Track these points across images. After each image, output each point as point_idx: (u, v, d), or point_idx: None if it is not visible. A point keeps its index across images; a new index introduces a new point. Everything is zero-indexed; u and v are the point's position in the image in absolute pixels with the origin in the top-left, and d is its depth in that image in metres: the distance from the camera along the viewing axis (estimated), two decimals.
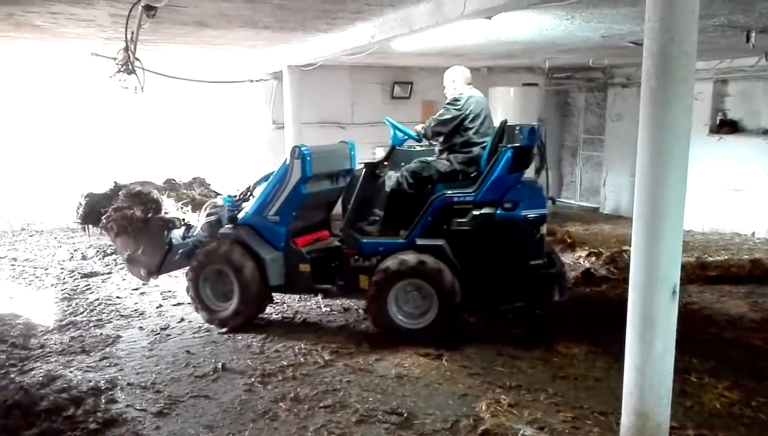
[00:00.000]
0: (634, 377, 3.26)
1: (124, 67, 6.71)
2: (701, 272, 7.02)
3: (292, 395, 4.30)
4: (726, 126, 9.82)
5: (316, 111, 9.98)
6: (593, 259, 7.35)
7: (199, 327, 5.73)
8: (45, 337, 5.54)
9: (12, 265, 8.05)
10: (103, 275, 7.50)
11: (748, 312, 6.02)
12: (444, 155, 5.58)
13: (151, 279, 6.34)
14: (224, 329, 5.59)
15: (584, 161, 12.85)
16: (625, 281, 3.51)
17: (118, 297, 6.67)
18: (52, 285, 7.15)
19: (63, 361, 4.99)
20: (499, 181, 5.07)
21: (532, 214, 5.04)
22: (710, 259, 7.54)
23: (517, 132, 5.28)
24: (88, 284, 7.15)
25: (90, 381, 4.50)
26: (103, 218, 6.17)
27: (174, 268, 6.25)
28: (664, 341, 3.19)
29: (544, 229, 5.14)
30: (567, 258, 7.61)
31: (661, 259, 3.13)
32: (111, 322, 5.93)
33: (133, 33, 4.55)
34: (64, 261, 8.22)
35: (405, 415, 3.99)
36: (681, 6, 2.94)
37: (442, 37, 5.52)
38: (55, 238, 9.62)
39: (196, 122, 10.27)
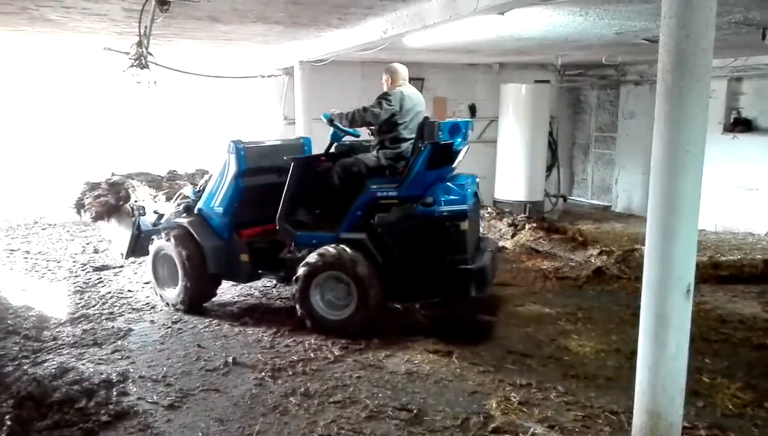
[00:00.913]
0: (647, 377, 3.24)
1: (137, 61, 6.75)
2: (714, 272, 6.96)
3: (303, 390, 4.31)
4: (740, 124, 9.73)
5: (327, 106, 9.92)
6: (605, 257, 7.30)
7: (210, 321, 5.76)
8: (58, 329, 5.59)
9: (25, 258, 8.12)
10: (114, 268, 7.55)
11: (761, 312, 5.96)
12: (374, 151, 5.69)
13: (127, 260, 6.94)
14: (175, 310, 6.01)
15: (596, 159, 12.78)
16: (637, 279, 3.50)
17: (129, 290, 6.71)
18: (65, 278, 7.21)
19: (75, 353, 5.03)
20: (419, 177, 5.20)
21: (451, 210, 5.09)
22: (723, 258, 7.48)
23: (437, 129, 5.34)
24: (100, 277, 7.20)
25: (102, 374, 4.54)
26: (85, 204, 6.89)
27: (145, 252, 6.48)
28: (678, 340, 3.17)
29: (465, 224, 5.13)
30: (578, 256, 7.58)
31: (675, 258, 3.10)
32: (123, 315, 5.97)
33: (146, 28, 4.56)
34: (76, 254, 8.27)
35: (415, 411, 3.99)
36: (698, 2, 2.91)
37: (454, 32, 5.49)
38: (68, 231, 9.69)
39: (208, 116, 10.31)
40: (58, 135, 10.05)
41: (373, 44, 6.12)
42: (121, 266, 7.59)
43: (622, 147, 11.93)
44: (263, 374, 4.60)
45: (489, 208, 9.57)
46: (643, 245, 3.39)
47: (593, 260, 7.34)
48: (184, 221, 6.02)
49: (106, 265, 7.66)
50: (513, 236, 8.57)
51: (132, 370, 4.69)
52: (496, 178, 10.94)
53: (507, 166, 10.77)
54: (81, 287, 6.82)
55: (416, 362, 4.80)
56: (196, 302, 6.01)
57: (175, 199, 6.58)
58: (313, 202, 5.89)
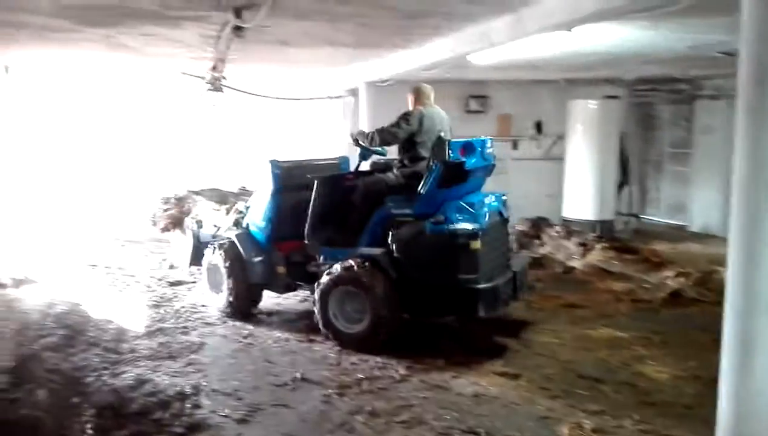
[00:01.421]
0: (730, 406, 3.06)
1: (213, 85, 7.06)
2: None
3: (369, 408, 4.31)
4: None
5: None
6: (681, 279, 6.98)
7: (278, 337, 5.88)
8: (135, 342, 5.82)
9: (107, 272, 8.54)
10: (188, 283, 7.81)
11: None
12: (396, 169, 5.82)
13: (189, 268, 7.47)
14: (223, 315, 6.43)
15: (669, 176, 12.29)
16: (718, 303, 3.32)
17: (202, 305, 6.93)
18: (142, 292, 7.53)
19: (152, 365, 5.21)
20: (430, 195, 5.26)
21: (460, 228, 5.09)
22: None
23: (447, 148, 5.25)
24: (175, 293, 7.48)
25: (176, 386, 4.68)
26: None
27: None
28: (765, 367, 2.98)
29: (476, 243, 5.09)
30: (653, 278, 7.29)
31: (761, 280, 2.93)
32: (196, 329, 6.16)
33: (221, 53, 4.76)
34: (152, 270, 8.63)
35: (483, 435, 3.92)
36: None
37: (521, 49, 5.45)
38: (144, 247, 10.13)
39: (277, 136, 10.61)
40: (137, 154, 10.60)
41: (438, 63, 6.17)
42: (194, 282, 7.85)
43: (697, 164, 11.43)
44: (330, 390, 4.63)
45: (557, 227, 9.36)
46: (724, 267, 3.23)
47: (669, 282, 7.04)
48: (232, 234, 6.50)
49: (181, 280, 7.95)
50: (583, 255, 8.34)
51: (204, 383, 4.82)
52: (564, 196, 10.71)
53: (575, 184, 10.53)
54: (157, 302, 7.10)
55: (483, 384, 4.73)
56: (240, 309, 6.39)
57: (232, 214, 7.07)
58: (339, 219, 6.00)
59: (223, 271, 6.33)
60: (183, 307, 6.86)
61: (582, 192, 10.43)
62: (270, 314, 6.62)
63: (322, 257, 5.83)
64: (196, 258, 7.11)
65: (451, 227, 5.13)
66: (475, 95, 10.69)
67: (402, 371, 4.96)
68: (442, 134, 5.59)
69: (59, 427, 4.15)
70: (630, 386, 4.67)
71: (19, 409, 4.18)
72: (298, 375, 4.92)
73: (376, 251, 5.43)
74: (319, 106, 11.41)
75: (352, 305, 5.50)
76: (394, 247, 5.33)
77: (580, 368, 5.00)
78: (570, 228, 9.63)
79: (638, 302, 6.74)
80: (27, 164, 10.59)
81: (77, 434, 4.15)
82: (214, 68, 7.01)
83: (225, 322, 6.35)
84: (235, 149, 10.55)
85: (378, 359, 5.23)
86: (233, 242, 6.36)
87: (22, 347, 5.46)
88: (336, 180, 6.14)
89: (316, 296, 5.58)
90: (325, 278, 5.51)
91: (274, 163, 6.21)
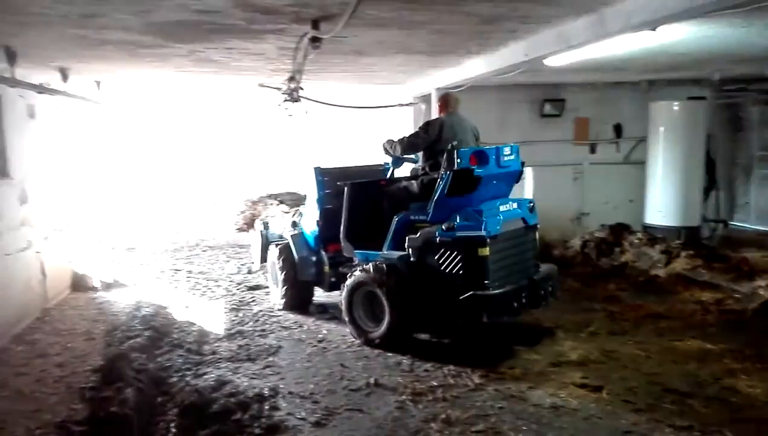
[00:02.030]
0: None
1: (290, 95, 7.24)
2: None
3: (444, 416, 4.27)
4: None
5: None
6: None
7: (352, 342, 5.93)
8: (216, 344, 6.03)
9: (188, 277, 8.90)
10: (266, 288, 8.02)
11: None
12: (420, 177, 6.03)
13: (261, 264, 7.90)
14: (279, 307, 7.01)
15: (761, 180, 11.55)
16: None
17: (279, 310, 7.10)
18: (222, 296, 7.80)
19: (232, 367, 5.39)
20: (440, 202, 5.46)
21: (467, 235, 5.19)
22: None
23: (455, 157, 5.35)
24: (253, 297, 7.70)
25: (255, 388, 4.81)
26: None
27: None
28: None
29: (485, 250, 5.16)
30: (743, 287, 6.87)
31: None
32: (273, 333, 6.32)
33: (299, 64, 4.87)
34: (232, 275, 8.93)
35: None
36: None
37: (600, 50, 5.28)
38: (224, 253, 10.49)
39: (350, 143, 10.77)
40: (219, 162, 11.05)
41: (513, 68, 6.06)
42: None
43: None
44: (404, 397, 4.63)
45: (639, 233, 8.99)
46: None
47: (761, 292, 6.60)
48: (288, 235, 7.00)
49: (259, 285, 8.18)
50: (666, 264, 7.96)
51: (282, 386, 4.93)
52: (646, 201, 10.28)
53: (658, 189, 10.08)
54: (236, 305, 7.33)
55: (562, 395, 4.59)
56: (292, 304, 6.96)
57: (294, 216, 7.66)
58: (369, 223, 6.24)
59: (277, 269, 6.93)
60: (261, 311, 7.05)
61: (665, 197, 9.98)
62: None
63: (356, 259, 6.14)
64: (265, 257, 7.59)
65: (459, 233, 5.24)
66: (551, 99, 10.44)
67: (477, 380, 4.89)
68: (461, 142, 5.66)
69: (146, 425, 4.36)
70: (720, 402, 4.42)
71: (108, 406, 4.41)
72: (372, 380, 4.95)
73: (395, 254, 5.69)
74: (390, 113, 11.48)
75: (373, 306, 5.74)
76: (410, 251, 5.53)
77: (666, 381, 4.77)
78: (652, 235, 9.21)
79: (728, 313, 6.36)
80: (118, 173, 11.22)
81: (162, 433, 4.33)
82: (290, 79, 7.19)
83: (301, 326, 6.48)
84: (310, 155, 10.78)
85: (451, 366, 5.18)
86: (288, 242, 6.89)
87: (111, 347, 5.77)
88: (365, 186, 6.43)
89: (343, 295, 5.92)
90: (349, 280, 5.85)
91: (318, 170, 6.68)
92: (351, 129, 10.83)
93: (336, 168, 6.84)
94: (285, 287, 6.92)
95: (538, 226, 5.95)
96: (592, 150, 10.86)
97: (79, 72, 6.83)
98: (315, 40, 4.26)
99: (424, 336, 5.98)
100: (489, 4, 3.97)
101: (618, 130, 11.01)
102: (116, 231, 11.24)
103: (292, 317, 6.81)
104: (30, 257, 6.75)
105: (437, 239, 5.35)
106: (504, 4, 4.00)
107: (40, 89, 6.45)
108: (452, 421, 4.21)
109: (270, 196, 10.15)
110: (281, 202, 9.74)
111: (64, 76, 6.75)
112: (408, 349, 5.62)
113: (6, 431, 4.17)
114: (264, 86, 8.24)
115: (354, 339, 5.95)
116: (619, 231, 9.10)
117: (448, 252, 5.30)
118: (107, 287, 8.21)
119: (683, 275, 7.58)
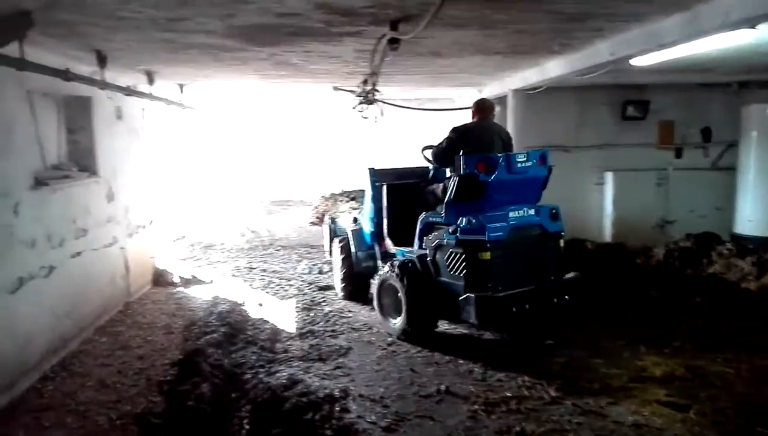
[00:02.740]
0: None
1: (365, 98, 7.26)
2: None
3: (518, 429, 4.13)
4: None
5: (540, 135, 9.68)
6: None
7: (421, 348, 5.85)
8: (288, 342, 6.11)
9: (262, 276, 9.09)
10: (339, 293, 8.07)
11: None
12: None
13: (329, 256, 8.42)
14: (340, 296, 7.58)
15: None
16: None
17: (350, 311, 7.12)
18: (294, 295, 7.90)
19: (303, 366, 5.42)
20: (449, 206, 5.69)
21: (470, 238, 5.36)
22: None
23: (461, 163, 5.52)
24: (324, 297, 7.77)
25: (326, 388, 4.80)
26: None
27: None
28: None
29: (486, 254, 5.32)
30: None
31: None
32: (344, 333, 6.34)
33: (375, 66, 4.85)
34: (303, 274, 9.05)
35: None
36: None
37: (690, 49, 4.97)
38: (297, 253, 10.66)
39: (419, 144, 10.72)
40: (292, 163, 11.30)
41: (596, 68, 5.81)
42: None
43: None
44: (476, 406, 4.52)
45: (728, 244, 8.45)
46: None
47: None
48: (349, 230, 7.45)
49: (330, 285, 8.25)
50: (758, 277, 7.44)
51: (352, 387, 4.91)
52: (735, 209, 9.67)
53: (751, 196, 9.45)
54: (308, 305, 7.41)
55: (645, 413, 4.34)
56: (351, 294, 7.48)
57: (357, 213, 8.18)
58: (404, 221, 6.52)
59: (338, 260, 7.50)
60: (331, 311, 7.09)
61: (757, 206, 9.34)
62: None
63: (397, 255, 6.50)
64: (331, 249, 8.14)
65: (462, 237, 5.42)
66: (634, 100, 9.98)
67: (553, 393, 4.70)
68: (485, 148, 5.78)
69: (220, 420, 4.44)
70: None
71: (185, 400, 4.53)
72: (443, 387, 4.86)
73: (414, 253, 6.11)
74: (462, 115, 11.36)
75: (396, 300, 6.07)
76: (427, 251, 5.85)
77: (759, 403, 4.43)
78: (743, 245, 8.64)
79: None
80: (198, 173, 11.62)
81: (236, 429, 4.41)
82: (365, 82, 7.22)
83: (370, 328, 6.46)
84: (379, 155, 10.83)
85: (526, 377, 5.02)
86: (348, 236, 7.39)
87: (188, 341, 5.95)
88: (403, 187, 6.82)
89: (374, 289, 6.42)
90: (377, 275, 6.37)
91: (371, 171, 7.10)
92: (422, 130, 10.75)
93: (390, 169, 7.21)
94: (343, 278, 7.48)
95: (563, 233, 5.90)
96: (678, 155, 10.31)
97: (164, 75, 7.10)
98: (393, 41, 4.22)
99: (494, 338, 5.84)
100: (574, 2, 3.81)
101: (706, 134, 10.41)
102: (195, 229, 11.65)
103: (362, 318, 6.81)
104: (115, 253, 7.07)
105: (445, 241, 5.61)
106: (590, 1, 3.83)
107: (128, 91, 6.74)
108: (527, 434, 4.07)
109: (342, 193, 10.53)
110: (352, 198, 10.05)
111: (150, 80, 7.03)
112: (479, 356, 5.53)
113: (89, 420, 4.36)
114: (339, 89, 8.31)
115: (422, 345, 5.90)
116: (706, 241, 8.60)
117: (454, 254, 5.53)
118: (186, 282, 8.50)
119: None
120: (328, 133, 11.41)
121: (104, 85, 5.85)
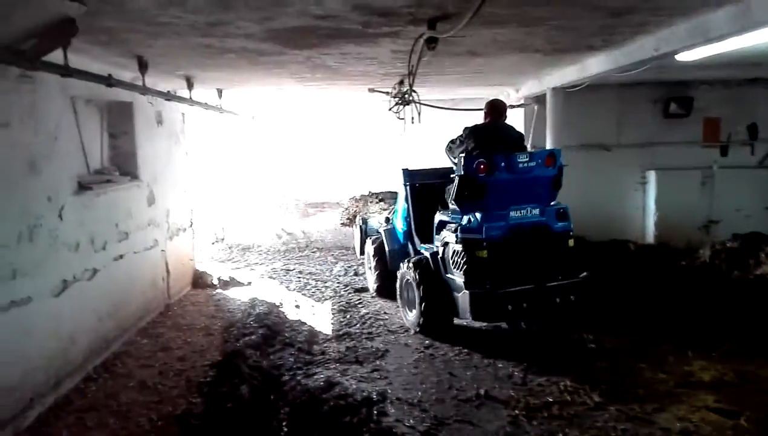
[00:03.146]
0: None
1: (401, 99, 7.22)
2: None
3: (561, 435, 4.04)
4: None
5: (579, 134, 9.50)
6: None
7: (460, 350, 5.79)
8: (325, 344, 6.12)
9: (299, 277, 9.14)
10: (372, 291, 8.07)
11: None
12: None
13: (360, 256, 9.18)
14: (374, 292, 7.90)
15: None
16: None
17: (386, 313, 7.10)
18: (330, 297, 7.92)
19: (340, 369, 5.42)
20: (455, 205, 5.96)
21: (468, 237, 5.60)
22: None
23: (461, 164, 5.73)
24: (360, 299, 7.76)
25: (363, 392, 4.79)
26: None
27: None
28: None
29: (483, 252, 5.53)
30: None
31: None
32: (380, 336, 6.31)
33: (412, 67, 4.80)
34: (339, 276, 9.07)
35: None
36: None
37: (739, 43, 4.78)
38: (332, 255, 10.70)
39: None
40: (324, 165, 11.38)
41: (639, 64, 5.63)
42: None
43: None
44: (517, 411, 4.44)
45: None
46: None
47: None
48: (382, 229, 7.76)
49: (365, 287, 8.24)
50: None
51: (390, 391, 4.88)
52: None
53: None
54: (344, 307, 7.41)
55: (693, 420, 4.20)
56: (384, 290, 7.67)
57: (389, 213, 8.35)
58: (428, 219, 6.70)
59: (372, 258, 7.79)
60: (368, 313, 7.08)
61: None
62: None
63: (423, 252, 6.63)
64: (363, 249, 8.73)
65: (462, 235, 5.66)
66: (677, 97, 9.69)
67: (596, 398, 4.59)
68: (495, 148, 5.83)
69: (259, 422, 4.45)
70: None
71: (225, 402, 4.56)
72: (482, 391, 4.79)
73: (428, 250, 6.39)
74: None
75: (413, 295, 6.37)
76: (439, 249, 6.14)
77: None
78: None
79: None
80: (236, 176, 11.76)
81: (275, 431, 4.41)
82: (401, 83, 7.18)
83: (407, 331, 6.42)
84: (417, 156, 10.79)
85: (568, 381, 4.91)
86: (381, 236, 7.68)
87: (228, 343, 6.00)
88: (427, 187, 7.05)
89: (397, 285, 6.74)
90: (399, 272, 6.68)
91: (405, 172, 7.30)
92: (455, 131, 10.64)
93: (422, 169, 7.38)
94: (377, 275, 7.73)
95: (572, 232, 5.89)
96: (723, 152, 9.96)
97: (203, 80, 7.18)
98: (431, 41, 4.16)
99: (533, 341, 5.74)
100: None
101: (752, 131, 10.03)
102: (233, 231, 11.78)
103: (398, 320, 6.77)
104: (156, 255, 7.18)
105: (450, 239, 5.87)
106: None
107: (168, 96, 6.84)
108: None
109: (371, 195, 10.63)
110: (381, 199, 10.17)
111: (190, 85, 7.12)
112: (519, 359, 5.45)
113: (131, 421, 4.42)
114: (374, 91, 8.29)
115: (460, 347, 5.83)
116: (753, 241, 8.28)
117: (455, 252, 5.77)
118: (224, 284, 8.60)
119: None
120: (361, 136, 11.44)
121: (145, 90, 5.95)
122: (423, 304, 6.09)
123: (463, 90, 9.70)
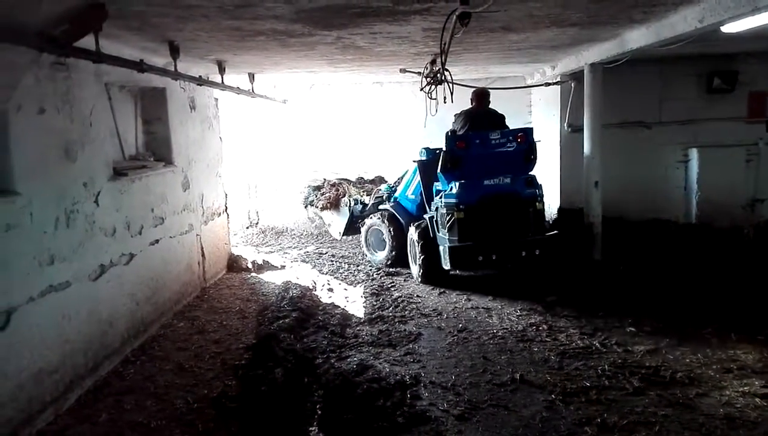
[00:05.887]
0: None
1: (433, 78, 7.09)
2: None
3: (599, 420, 3.95)
4: None
5: (619, 111, 9.21)
6: None
7: (494, 334, 5.71)
8: (358, 327, 6.10)
9: (331, 261, 9.15)
10: (404, 275, 8.03)
11: None
12: None
13: (343, 237, 9.89)
14: (383, 266, 8.48)
15: None
16: None
17: (418, 296, 7.05)
18: (362, 281, 7.90)
19: (373, 352, 5.41)
20: (442, 175, 7.17)
21: (448, 202, 6.87)
22: None
23: (446, 139, 7.11)
24: (393, 282, 7.72)
25: (396, 375, 4.77)
26: (313, 199, 10.40)
27: (355, 232, 9.43)
28: None
29: (460, 214, 6.74)
30: None
31: None
32: (413, 319, 6.27)
33: (445, 44, 4.68)
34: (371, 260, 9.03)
35: None
36: None
37: None
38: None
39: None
40: (351, 153, 11.37)
41: (682, 37, 5.38)
42: (410, 273, 8.03)
43: None
44: (553, 396, 4.35)
45: None
46: None
47: None
48: (388, 206, 8.49)
49: (399, 271, 8.20)
50: None
51: (423, 374, 4.84)
52: None
53: None
54: (376, 290, 7.38)
55: (737, 405, 4.06)
56: (397, 261, 8.29)
57: (374, 195, 9.17)
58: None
59: (386, 233, 8.39)
60: (400, 296, 7.04)
61: None
62: (487, 309, 6.49)
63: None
64: (350, 229, 9.41)
65: (444, 200, 6.90)
66: (721, 71, 9.29)
67: (636, 383, 4.47)
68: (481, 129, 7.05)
69: (293, 404, 4.47)
70: None
71: (260, 385, 4.59)
72: (517, 376, 4.71)
73: (426, 215, 7.52)
74: (536, 93, 10.99)
75: (415, 252, 7.61)
76: (433, 213, 7.30)
77: None
78: None
79: None
80: (269, 160, 11.79)
81: (309, 413, 4.43)
82: (433, 62, 7.04)
83: (440, 314, 6.37)
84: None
85: (606, 366, 4.80)
86: (391, 211, 8.39)
87: (262, 326, 6.04)
88: (432, 162, 7.64)
89: (408, 245, 7.94)
90: (409, 236, 7.82)
91: (426, 148, 8.00)
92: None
93: (438, 148, 7.65)
94: (392, 248, 8.35)
95: (539, 197, 6.97)
96: None
97: (234, 65, 7.18)
98: (464, 17, 4.03)
99: (570, 324, 5.62)
100: None
101: None
102: (267, 215, 11.86)
103: (431, 304, 6.72)
104: (191, 240, 7.26)
105: (437, 205, 7.10)
106: None
107: (200, 81, 6.86)
108: (609, 426, 3.88)
109: (374, 179, 10.97)
110: (363, 184, 10.72)
111: (221, 69, 7.12)
112: (555, 343, 5.36)
113: (167, 403, 4.48)
114: (406, 71, 8.17)
115: (494, 330, 5.76)
116: None
117: (441, 214, 6.95)
118: (259, 268, 8.66)
119: None
120: (390, 123, 11.37)
121: (177, 75, 5.96)
122: (422, 257, 7.37)
123: (497, 68, 9.48)
